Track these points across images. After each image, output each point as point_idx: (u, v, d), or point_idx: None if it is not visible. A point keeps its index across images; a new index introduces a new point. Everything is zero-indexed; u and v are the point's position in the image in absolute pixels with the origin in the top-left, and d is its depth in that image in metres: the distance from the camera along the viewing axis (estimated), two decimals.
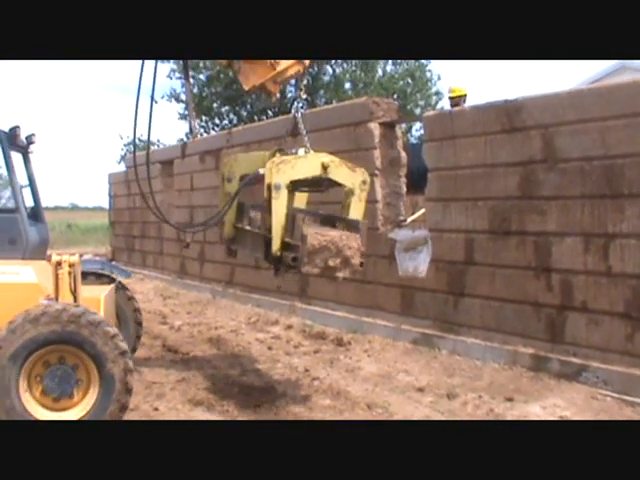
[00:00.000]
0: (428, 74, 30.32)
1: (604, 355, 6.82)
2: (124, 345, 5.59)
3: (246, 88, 6.56)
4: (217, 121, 29.35)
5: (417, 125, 22.65)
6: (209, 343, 9.40)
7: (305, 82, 6.98)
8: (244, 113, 29.11)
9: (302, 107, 6.92)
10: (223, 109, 29.29)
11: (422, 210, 9.31)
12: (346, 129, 10.03)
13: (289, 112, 23.32)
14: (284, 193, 5.83)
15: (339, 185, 6.12)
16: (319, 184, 6.30)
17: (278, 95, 6.76)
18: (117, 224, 20.84)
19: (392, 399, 6.75)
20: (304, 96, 7.00)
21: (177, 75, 30.22)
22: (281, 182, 5.80)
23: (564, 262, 7.20)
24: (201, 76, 28.34)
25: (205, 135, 25.83)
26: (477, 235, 8.16)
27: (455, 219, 8.43)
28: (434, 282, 8.62)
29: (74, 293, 6.14)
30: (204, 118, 29.09)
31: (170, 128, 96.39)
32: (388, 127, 9.78)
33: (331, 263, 5.65)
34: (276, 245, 5.87)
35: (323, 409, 6.46)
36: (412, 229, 9.27)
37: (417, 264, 7.50)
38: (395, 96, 27.34)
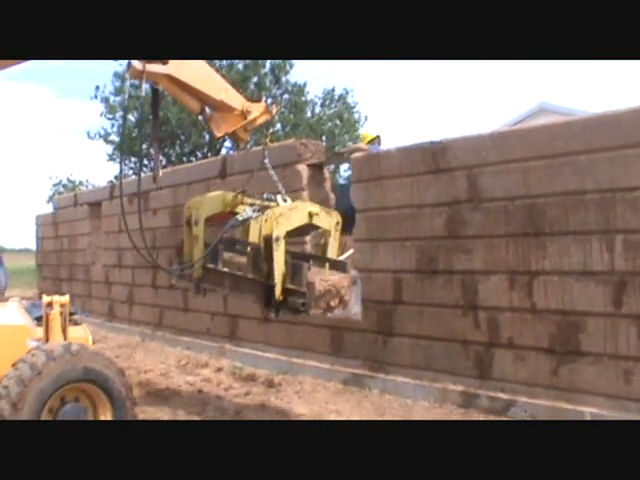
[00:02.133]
0: (356, 115, 30.88)
1: (531, 389, 6.94)
2: (129, 381, 5.81)
3: (218, 135, 6.86)
4: (146, 162, 29.18)
5: (345, 165, 22.89)
6: (138, 387, 9.20)
7: (271, 130, 7.42)
8: (173, 154, 29.05)
9: (266, 153, 7.22)
10: (151, 150, 29.12)
11: (350, 251, 9.38)
12: (274, 171, 10.07)
13: (217, 153, 23.26)
14: (282, 244, 6.26)
15: (318, 228, 6.75)
16: (304, 230, 6.86)
17: (248, 142, 7.16)
18: (45, 266, 20.39)
19: None
20: (270, 144, 7.38)
21: (108, 116, 30.19)
22: (280, 234, 6.24)
23: (490, 299, 7.33)
24: (131, 117, 28.25)
25: (134, 177, 25.64)
26: (405, 275, 8.25)
27: (383, 259, 8.51)
28: (363, 322, 8.67)
29: (64, 333, 6.11)
30: (133, 159, 28.94)
31: (99, 169, 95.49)
32: (316, 168, 9.87)
33: (332, 303, 6.23)
34: (279, 291, 6.26)
35: None
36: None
37: (349, 307, 7.58)
38: (323, 137, 27.71)
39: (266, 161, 7.18)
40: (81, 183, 33.51)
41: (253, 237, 6.43)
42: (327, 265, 6.63)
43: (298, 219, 6.50)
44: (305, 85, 30.16)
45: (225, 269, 7.01)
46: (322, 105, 31.12)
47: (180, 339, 12.38)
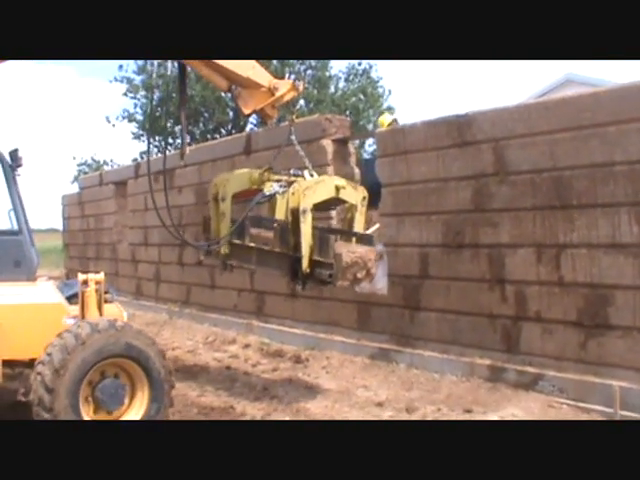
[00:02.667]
0: (380, 90, 30.62)
1: (558, 363, 6.90)
2: (169, 364, 5.96)
3: (246, 112, 6.97)
4: (170, 140, 29.22)
5: (370, 140, 22.73)
6: None
7: (297, 107, 7.58)
8: (197, 132, 29.04)
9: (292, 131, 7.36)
10: (176, 128, 29.18)
11: (376, 225, 9.36)
12: (300, 146, 10.07)
13: (241, 130, 23.27)
14: (309, 216, 6.44)
15: (345, 202, 6.90)
16: (330, 204, 7.09)
17: (275, 119, 7.20)
18: (71, 246, 20.57)
19: (352, 415, 6.75)
20: (296, 120, 7.60)
21: (131, 95, 30.21)
22: (307, 207, 6.42)
23: (517, 273, 7.29)
24: (154, 96, 28.22)
25: (159, 155, 25.69)
26: (431, 249, 8.22)
27: (409, 233, 8.48)
28: (390, 297, 8.63)
29: (100, 310, 6.26)
30: (157, 138, 28.95)
31: (124, 149, 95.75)
32: (341, 143, 9.84)
33: (359, 275, 6.39)
34: (306, 263, 6.45)
35: None
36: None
37: (374, 281, 7.61)
38: (348, 112, 27.53)
39: (292, 137, 7.29)
40: (105, 163, 33.60)
41: (280, 212, 6.60)
42: (354, 239, 6.74)
43: (325, 192, 6.62)
44: (328, 61, 29.95)
45: (252, 244, 7.10)
46: (346, 80, 30.91)
47: (207, 316, 12.46)
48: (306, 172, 6.97)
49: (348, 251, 6.35)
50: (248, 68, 6.60)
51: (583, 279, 6.72)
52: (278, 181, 6.95)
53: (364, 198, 6.86)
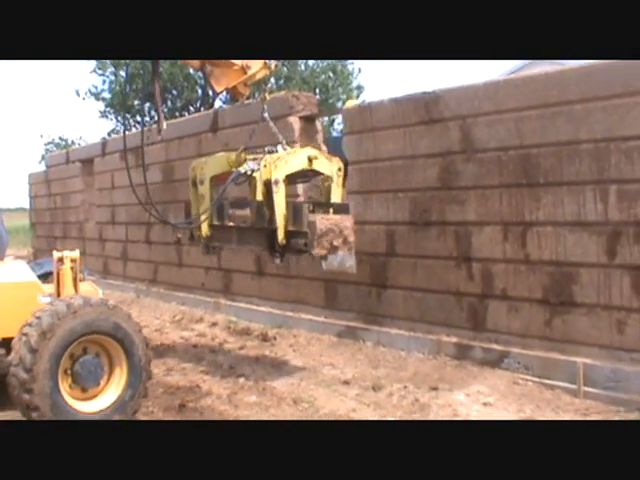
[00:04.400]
0: (350, 67, 30.53)
1: (524, 341, 6.95)
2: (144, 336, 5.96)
3: (218, 90, 7.00)
4: (138, 118, 28.96)
5: (339, 119, 22.68)
6: None
7: (269, 85, 7.75)
8: (165, 109, 28.77)
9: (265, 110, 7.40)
10: (145, 105, 28.92)
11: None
12: (264, 125, 10.00)
13: (210, 108, 23.12)
14: (282, 187, 6.48)
15: (320, 174, 6.89)
16: (304, 175, 7.07)
17: (247, 94, 7.20)
18: (38, 225, 20.35)
19: (318, 393, 6.75)
20: (268, 97, 7.52)
21: (99, 72, 29.83)
22: (279, 177, 6.46)
23: (484, 251, 7.31)
24: (122, 73, 27.94)
25: (127, 133, 25.43)
26: (398, 226, 8.21)
27: (376, 211, 8.46)
28: (357, 275, 8.58)
29: (75, 288, 6.21)
30: (125, 115, 28.70)
31: (91, 126, 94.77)
32: (308, 121, 9.77)
33: (335, 243, 6.37)
34: (281, 234, 6.50)
35: (249, 406, 6.42)
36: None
37: (342, 259, 7.62)
38: (317, 90, 27.43)
39: (265, 115, 7.33)
40: (73, 142, 33.23)
41: (259, 192, 6.62)
42: (331, 210, 6.76)
43: (297, 163, 6.66)
44: None
45: (231, 224, 7.16)
46: None
47: (175, 294, 12.40)
48: (279, 147, 6.96)
49: (322, 218, 6.38)
50: None
51: (549, 257, 6.75)
52: (254, 160, 6.92)
53: (339, 169, 6.88)
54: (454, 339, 7.57)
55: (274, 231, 6.49)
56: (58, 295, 6.05)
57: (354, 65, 30.84)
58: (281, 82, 27.52)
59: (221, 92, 7.09)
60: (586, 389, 6.27)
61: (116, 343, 5.65)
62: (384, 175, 8.32)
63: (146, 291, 13.32)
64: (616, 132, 6.25)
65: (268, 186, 6.50)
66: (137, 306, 12.28)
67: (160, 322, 10.68)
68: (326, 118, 18.52)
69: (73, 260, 6.22)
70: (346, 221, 6.47)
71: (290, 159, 6.63)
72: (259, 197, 6.66)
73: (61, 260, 6.19)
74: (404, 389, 6.69)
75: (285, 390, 6.84)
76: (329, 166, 6.84)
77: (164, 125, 7.03)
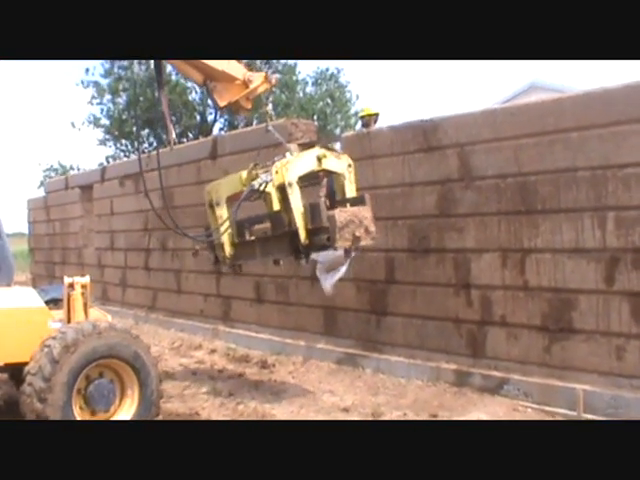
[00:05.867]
0: (347, 95, 30.72)
1: (523, 367, 6.95)
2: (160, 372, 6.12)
3: (221, 105, 7.14)
4: (136, 144, 29.08)
5: (337, 145, 22.78)
6: None
7: (271, 98, 7.82)
8: (164, 136, 28.90)
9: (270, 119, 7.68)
10: (143, 132, 29.08)
11: None
12: (265, 151, 10.03)
13: (208, 135, 23.17)
14: (296, 188, 6.55)
15: (332, 173, 7.00)
16: (316, 176, 7.27)
17: (250, 109, 7.30)
18: (37, 250, 20.33)
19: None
20: (271, 112, 7.78)
21: (97, 101, 29.98)
22: (292, 179, 6.54)
23: (483, 278, 7.33)
24: (120, 100, 28.12)
25: (125, 159, 25.54)
26: (397, 254, 8.23)
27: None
28: (356, 302, 8.66)
29: (86, 314, 6.29)
30: (124, 142, 28.83)
31: (90, 154, 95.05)
32: (307, 148, 9.80)
33: (357, 233, 6.43)
34: (303, 234, 6.52)
35: None
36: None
37: (325, 280, 7.73)
38: (315, 117, 27.59)
39: (270, 127, 7.48)
40: (72, 168, 33.33)
41: (275, 204, 6.79)
42: (348, 205, 6.79)
43: (307, 164, 6.76)
44: (296, 65, 30.00)
45: (252, 238, 7.24)
46: (314, 84, 30.98)
47: (173, 321, 12.38)
48: (287, 154, 7.01)
49: (341, 211, 6.45)
50: (223, 62, 6.71)
51: (547, 283, 6.77)
52: (266, 172, 6.98)
53: (349, 165, 6.96)
54: (453, 366, 7.56)
55: (295, 233, 6.53)
56: (68, 321, 6.12)
57: (352, 92, 31.06)
58: (279, 109, 27.66)
59: (224, 107, 7.20)
60: (586, 416, 6.26)
61: (132, 372, 5.76)
62: (383, 202, 8.35)
63: (145, 317, 13.29)
64: (613, 159, 6.30)
65: (283, 191, 6.58)
66: (136, 332, 12.20)
67: (159, 349, 10.65)
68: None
69: (83, 286, 6.31)
70: (364, 212, 6.54)
71: (299, 161, 6.73)
72: (276, 207, 6.78)
73: (72, 286, 6.27)
74: (404, 416, 6.68)
75: (285, 417, 6.82)
76: (339, 163, 6.92)
77: (174, 137, 7.15)
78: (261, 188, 6.83)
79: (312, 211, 6.51)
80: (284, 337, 9.83)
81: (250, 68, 7.25)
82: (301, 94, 30.21)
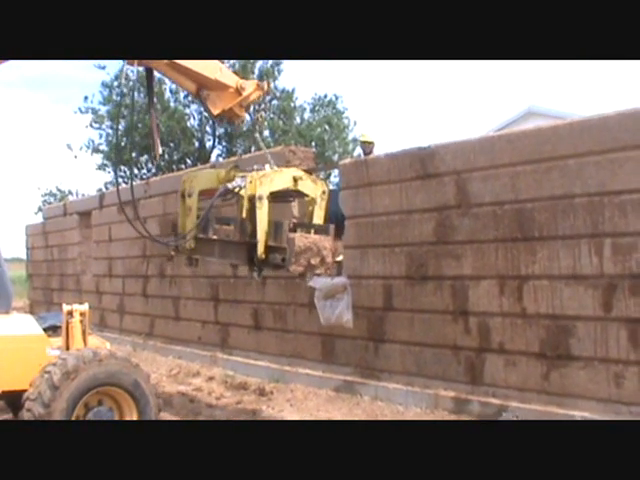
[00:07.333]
0: (345, 121, 30.81)
1: (522, 394, 6.93)
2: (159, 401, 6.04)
3: (215, 113, 7.09)
4: (135, 171, 29.13)
5: (336, 171, 22.85)
6: None
7: (263, 105, 7.91)
8: (162, 162, 28.99)
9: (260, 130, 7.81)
10: (141, 158, 29.15)
11: (340, 257, 9.38)
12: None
13: (207, 161, 23.27)
14: (265, 203, 6.48)
15: (304, 195, 6.93)
16: (289, 195, 7.21)
17: (245, 117, 7.34)
18: (35, 276, 20.31)
19: None
20: (265, 116, 7.71)
21: (96, 126, 30.07)
22: (263, 193, 6.47)
23: (480, 305, 7.33)
24: (119, 126, 28.19)
25: (123, 185, 25.57)
26: (395, 281, 8.23)
27: (373, 265, 8.50)
28: (354, 329, 8.64)
29: (85, 341, 6.27)
30: (122, 168, 28.87)
31: (88, 178, 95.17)
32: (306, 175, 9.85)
33: (313, 261, 6.35)
34: (261, 249, 6.46)
35: None
36: (331, 277, 9.30)
37: (340, 313, 7.68)
38: (313, 143, 27.65)
39: (257, 135, 7.57)
40: (70, 192, 33.35)
41: (245, 210, 6.67)
42: (312, 231, 6.77)
43: (282, 181, 6.71)
44: (294, 91, 30.12)
45: (214, 237, 7.25)
46: (311, 111, 31.08)
47: (171, 348, 12.34)
48: (267, 166, 7.03)
49: (301, 236, 6.43)
50: (215, 70, 6.72)
51: (545, 310, 6.77)
52: (243, 177, 7.02)
53: (324, 192, 6.93)
54: (452, 393, 7.54)
55: (255, 245, 6.53)
56: (67, 348, 6.10)
57: (350, 118, 31.16)
58: (277, 136, 27.75)
59: (218, 115, 7.16)
60: None
61: (132, 401, 5.72)
62: (381, 230, 8.38)
63: (143, 344, 13.26)
64: (609, 186, 6.33)
65: (252, 202, 6.55)
66: (134, 359, 12.19)
67: (157, 376, 10.60)
68: (323, 172, 18.64)
69: (82, 314, 6.29)
70: (325, 242, 6.49)
71: (275, 177, 6.70)
72: (244, 214, 6.72)
73: (70, 313, 6.25)
74: None
75: None
76: (314, 188, 6.89)
77: (160, 150, 7.15)
78: (235, 191, 6.85)
79: (275, 229, 6.55)
80: (282, 364, 9.80)
81: (242, 76, 7.34)
82: (299, 120, 30.30)
